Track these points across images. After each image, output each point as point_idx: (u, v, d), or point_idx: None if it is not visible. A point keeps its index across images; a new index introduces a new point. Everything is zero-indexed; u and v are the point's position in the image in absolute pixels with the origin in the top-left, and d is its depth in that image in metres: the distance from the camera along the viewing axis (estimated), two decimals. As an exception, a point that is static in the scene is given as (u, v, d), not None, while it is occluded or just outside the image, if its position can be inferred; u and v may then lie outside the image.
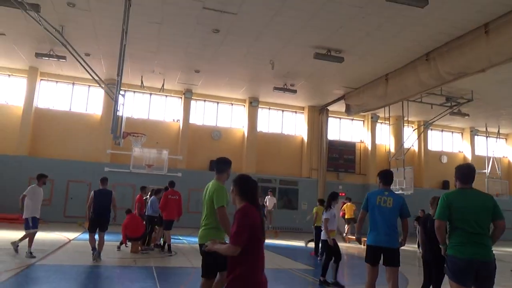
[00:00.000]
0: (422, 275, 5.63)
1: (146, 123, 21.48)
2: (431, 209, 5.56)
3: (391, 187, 5.67)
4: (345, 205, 18.73)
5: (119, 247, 10.42)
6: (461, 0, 11.16)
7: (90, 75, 10.19)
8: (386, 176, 5.60)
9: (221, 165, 4.70)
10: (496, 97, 19.70)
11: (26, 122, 19.29)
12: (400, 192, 19.00)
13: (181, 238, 15.10)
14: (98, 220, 8.67)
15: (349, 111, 20.73)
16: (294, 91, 19.69)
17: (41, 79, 20.07)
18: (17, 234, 9.61)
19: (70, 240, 12.02)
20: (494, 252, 3.98)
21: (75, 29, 14.53)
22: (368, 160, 24.53)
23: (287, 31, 13.90)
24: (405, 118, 24.66)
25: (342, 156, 24.35)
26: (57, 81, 20.33)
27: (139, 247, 10.24)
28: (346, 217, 18.37)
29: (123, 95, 9.54)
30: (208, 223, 4.41)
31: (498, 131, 25.53)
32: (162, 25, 13.88)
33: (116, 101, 9.32)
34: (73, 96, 20.79)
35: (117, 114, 9.18)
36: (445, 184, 26.03)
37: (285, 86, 19.50)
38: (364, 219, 5.60)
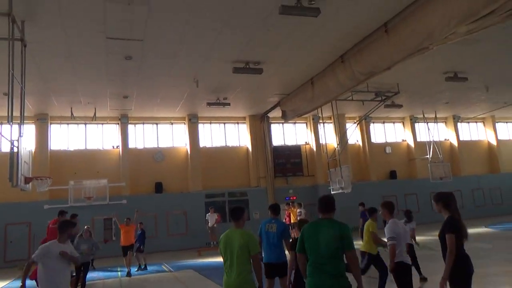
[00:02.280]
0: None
1: (84, 153, 21.12)
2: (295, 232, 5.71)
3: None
4: (290, 210, 18.93)
5: None
6: (351, 2, 11.52)
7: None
8: (274, 208, 7.17)
9: (237, 212, 4.92)
10: (421, 87, 20.53)
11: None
12: (340, 191, 19.39)
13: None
14: None
15: (286, 117, 21.03)
16: (228, 104, 19.83)
17: (-35, 123, 19.35)
18: None
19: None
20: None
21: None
22: (314, 161, 24.93)
23: (199, 50, 13.98)
24: (346, 115, 25.46)
25: (289, 161, 24.64)
26: (-18, 123, 19.61)
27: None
28: (292, 221, 18.56)
29: (17, 140, 9.25)
30: (244, 269, 4.50)
31: (435, 116, 26.52)
32: (71, 58, 13.69)
33: (12, 145, 9.08)
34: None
35: (14, 159, 8.94)
36: (392, 174, 26.80)
37: (218, 101, 19.60)
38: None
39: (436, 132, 27.23)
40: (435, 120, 26.76)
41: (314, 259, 3.99)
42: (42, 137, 20.14)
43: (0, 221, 18.79)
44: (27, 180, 9.55)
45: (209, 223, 18.23)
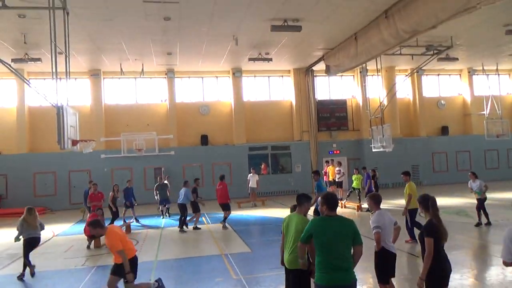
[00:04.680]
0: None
1: (135, 107, 22.36)
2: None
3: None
4: (328, 168, 19.11)
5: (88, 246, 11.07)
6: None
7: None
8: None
9: (301, 199, 5.22)
10: (478, 40, 19.01)
11: (22, 121, 20.63)
12: (381, 149, 19.11)
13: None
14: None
15: (330, 72, 20.61)
16: (270, 59, 19.72)
17: (29, 78, 21.01)
18: None
19: (52, 236, 13.22)
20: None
21: (37, 34, 15.12)
22: (360, 115, 24.44)
23: (236, 10, 13.91)
24: (396, 67, 24.35)
25: (333, 115, 24.40)
26: (45, 78, 21.15)
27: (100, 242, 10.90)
28: (329, 179, 18.78)
29: (62, 107, 10.12)
30: (296, 249, 4.91)
31: (497, 68, 24.50)
32: (114, 21, 14.23)
33: (58, 113, 10.00)
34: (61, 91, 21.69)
35: (60, 125, 9.88)
36: (444, 130, 25.69)
37: (259, 56, 19.55)
38: None
39: (497, 85, 25.32)
40: (497, 72, 24.76)
41: (327, 255, 4.11)
42: (96, 92, 21.51)
43: (65, 168, 20.91)
44: (74, 143, 10.53)
45: (250, 183, 18.64)
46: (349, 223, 4.27)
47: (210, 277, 7.77)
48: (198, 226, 13.20)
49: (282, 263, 5.66)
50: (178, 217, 13.28)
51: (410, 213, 9.67)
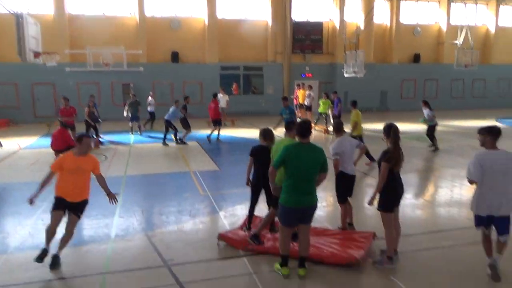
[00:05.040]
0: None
1: (101, 19, 21.07)
2: (263, 142, 5.74)
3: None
4: (298, 91, 19.21)
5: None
6: None
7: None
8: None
9: (290, 125, 5.46)
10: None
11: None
12: (352, 75, 19.23)
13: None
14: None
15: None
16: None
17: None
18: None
19: (18, 150, 13.07)
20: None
21: None
22: (336, 39, 24.07)
23: None
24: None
25: (309, 37, 23.92)
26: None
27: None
28: (300, 102, 18.97)
29: (22, 15, 9.44)
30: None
31: (476, -4, 24.26)
32: None
33: (17, 22, 9.36)
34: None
35: (20, 35, 9.30)
36: (416, 58, 25.87)
37: (235, -31, 18.42)
38: None
39: (473, 15, 25.17)
40: (475, 2, 24.50)
41: (296, 179, 4.39)
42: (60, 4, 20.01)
43: (27, 80, 20.05)
44: (36, 56, 10.03)
45: (220, 103, 18.43)
46: (319, 151, 4.52)
47: (178, 193, 8.06)
48: (187, 141, 13.73)
49: (248, 183, 5.87)
50: (151, 134, 13.38)
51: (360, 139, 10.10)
